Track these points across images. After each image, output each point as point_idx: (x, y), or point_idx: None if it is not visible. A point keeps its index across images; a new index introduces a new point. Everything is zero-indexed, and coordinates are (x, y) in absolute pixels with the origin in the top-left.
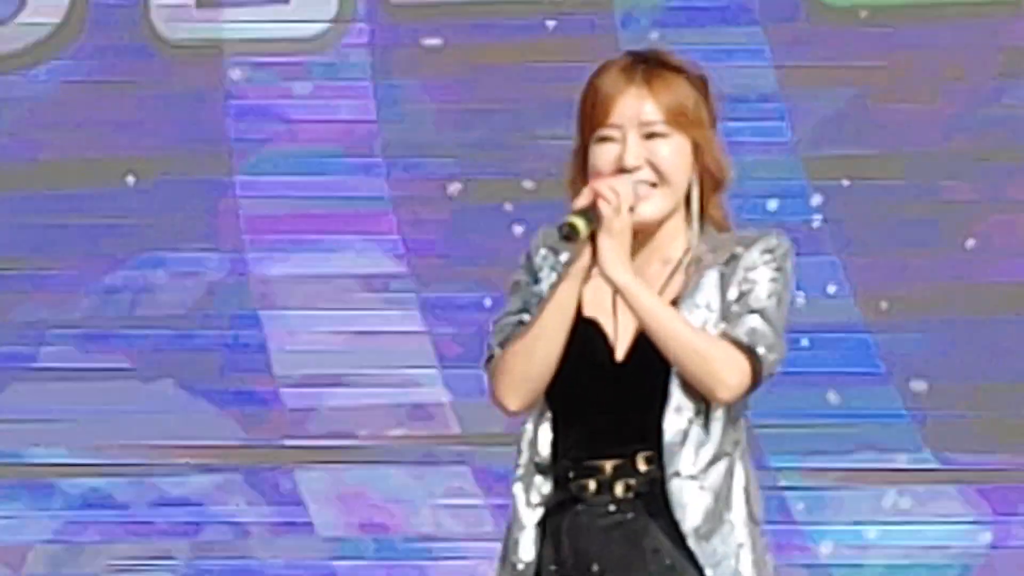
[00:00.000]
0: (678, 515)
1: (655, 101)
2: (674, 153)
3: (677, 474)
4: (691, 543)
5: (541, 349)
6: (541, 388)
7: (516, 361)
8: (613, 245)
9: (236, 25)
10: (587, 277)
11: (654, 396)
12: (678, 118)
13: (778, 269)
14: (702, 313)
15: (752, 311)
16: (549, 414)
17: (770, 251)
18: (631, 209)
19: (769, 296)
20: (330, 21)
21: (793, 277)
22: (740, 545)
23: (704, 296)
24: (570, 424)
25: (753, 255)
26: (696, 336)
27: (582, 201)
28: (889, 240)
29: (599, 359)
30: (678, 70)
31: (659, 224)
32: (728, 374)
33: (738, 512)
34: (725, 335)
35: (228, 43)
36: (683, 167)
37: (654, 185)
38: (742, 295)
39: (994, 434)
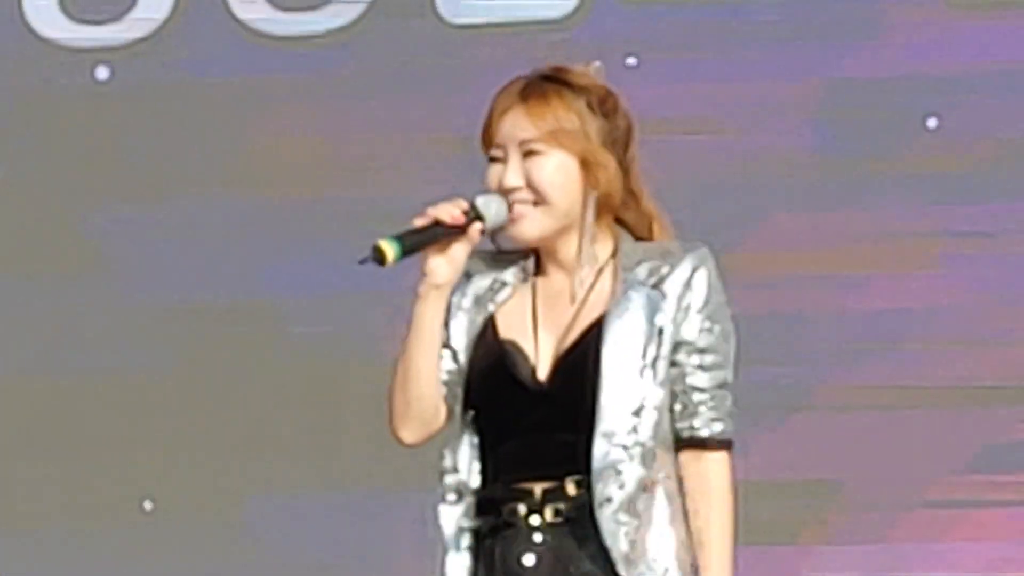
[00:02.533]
0: (608, 542)
1: (530, 119)
2: (553, 171)
3: (608, 500)
4: (620, 569)
5: (412, 380)
6: (430, 416)
7: (394, 395)
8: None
9: None
10: (440, 294)
11: (582, 419)
12: (556, 135)
13: (711, 318)
14: (629, 343)
15: (708, 387)
16: (470, 436)
17: (701, 294)
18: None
19: (715, 353)
20: None
21: (723, 287)
22: (666, 571)
23: (631, 320)
24: (499, 446)
25: (690, 297)
26: (725, 537)
27: (419, 221)
28: None
29: (522, 380)
30: (568, 85)
31: (552, 242)
32: (731, 486)
33: (668, 538)
34: (696, 446)
35: None
36: (566, 185)
37: (535, 204)
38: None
39: None
